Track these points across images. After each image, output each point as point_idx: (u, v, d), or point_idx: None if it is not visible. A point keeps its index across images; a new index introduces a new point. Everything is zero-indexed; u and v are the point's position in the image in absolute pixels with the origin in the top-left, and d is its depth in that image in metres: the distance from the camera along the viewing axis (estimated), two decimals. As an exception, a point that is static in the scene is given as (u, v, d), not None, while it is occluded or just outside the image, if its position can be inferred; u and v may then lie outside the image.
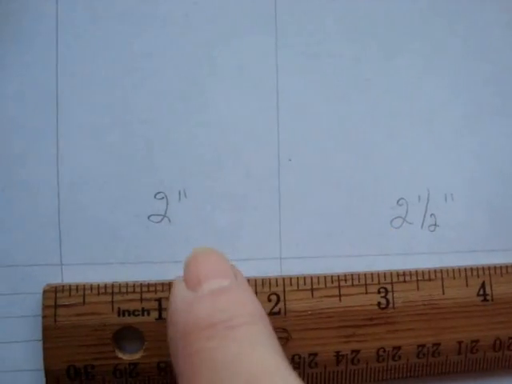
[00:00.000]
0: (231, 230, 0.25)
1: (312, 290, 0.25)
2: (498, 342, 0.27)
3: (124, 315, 0.24)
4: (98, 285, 0.24)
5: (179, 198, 0.25)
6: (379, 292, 0.25)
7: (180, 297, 0.19)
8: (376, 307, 0.25)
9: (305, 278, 0.25)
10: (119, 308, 0.24)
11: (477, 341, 0.26)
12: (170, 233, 0.25)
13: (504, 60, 0.27)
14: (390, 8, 0.26)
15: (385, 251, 0.26)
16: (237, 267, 0.21)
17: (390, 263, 0.26)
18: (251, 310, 0.18)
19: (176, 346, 0.18)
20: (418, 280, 0.26)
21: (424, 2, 0.27)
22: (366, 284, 0.25)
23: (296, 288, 0.25)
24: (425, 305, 0.26)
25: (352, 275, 0.25)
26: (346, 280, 0.25)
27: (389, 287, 0.25)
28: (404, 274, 0.26)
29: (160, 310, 0.24)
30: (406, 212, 0.26)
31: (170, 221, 0.25)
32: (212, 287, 0.19)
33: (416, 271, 0.26)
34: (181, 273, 0.21)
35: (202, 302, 0.18)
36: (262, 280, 0.25)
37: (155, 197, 0.25)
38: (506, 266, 0.27)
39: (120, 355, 0.24)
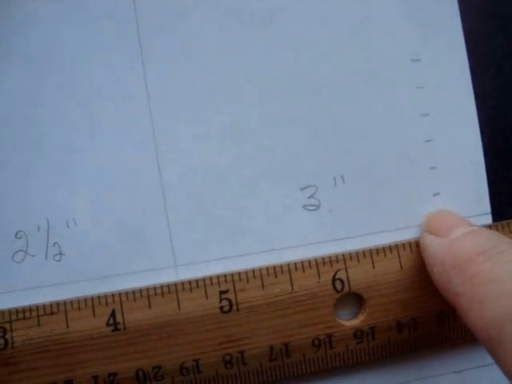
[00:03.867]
0: None
1: None
2: (140, 372, 0.24)
3: None
4: None
5: None
6: None
7: (436, 243, 0.23)
8: (-5, 349, 0.24)
9: None
10: None
11: (115, 374, 0.24)
12: None
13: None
14: None
15: (9, 288, 0.25)
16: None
17: (16, 300, 0.25)
18: (506, 239, 0.22)
19: (447, 278, 0.22)
20: (38, 315, 0.24)
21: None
22: (-17, 324, 0.25)
23: None
24: (48, 341, 0.24)
25: (-32, 317, 0.25)
26: (-38, 323, 0.25)
27: (7, 326, 0.24)
28: (24, 311, 0.24)
29: None
30: (27, 244, 0.25)
31: None
32: (464, 231, 0.23)
33: (37, 306, 0.24)
34: None
35: (464, 239, 0.23)
36: None
37: None
38: (140, 290, 0.24)
39: None
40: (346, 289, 0.24)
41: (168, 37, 0.25)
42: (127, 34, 0.25)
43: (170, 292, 0.24)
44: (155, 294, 0.24)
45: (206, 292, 0.24)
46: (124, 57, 0.25)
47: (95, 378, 0.24)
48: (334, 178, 0.25)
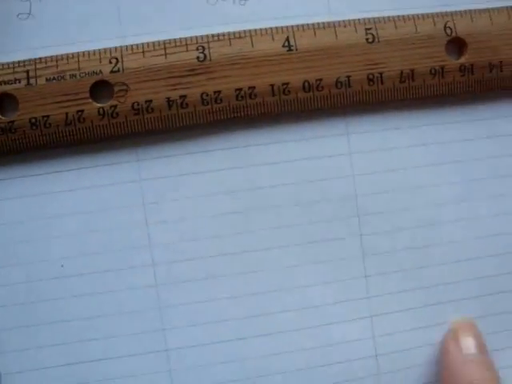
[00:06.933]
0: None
1: (143, 52, 0.32)
2: (306, 83, 0.32)
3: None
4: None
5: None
6: (197, 49, 0.32)
7: (461, 358, 0.32)
8: (195, 60, 0.32)
9: (137, 45, 0.32)
10: (-2, 80, 0.32)
11: (287, 83, 0.32)
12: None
13: None
14: None
15: (204, 24, 0.33)
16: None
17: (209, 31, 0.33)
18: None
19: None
20: (230, 38, 0.32)
21: None
22: (186, 44, 0.32)
23: (131, 52, 0.32)
24: (237, 56, 0.32)
25: (175, 40, 0.32)
26: (170, 43, 0.32)
27: (206, 45, 0.32)
28: (218, 35, 0.32)
29: (28, 78, 0.32)
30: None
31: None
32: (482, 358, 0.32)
33: (228, 32, 0.32)
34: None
35: (478, 364, 0.31)
36: (104, 49, 0.32)
37: (22, -1, 0.33)
38: (307, 24, 0.33)
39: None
40: (454, 34, 0.34)
41: None
42: None
43: (329, 26, 0.33)
44: (314, 28, 0.33)
45: (355, 28, 0.33)
46: None
47: (272, 86, 0.32)
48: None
